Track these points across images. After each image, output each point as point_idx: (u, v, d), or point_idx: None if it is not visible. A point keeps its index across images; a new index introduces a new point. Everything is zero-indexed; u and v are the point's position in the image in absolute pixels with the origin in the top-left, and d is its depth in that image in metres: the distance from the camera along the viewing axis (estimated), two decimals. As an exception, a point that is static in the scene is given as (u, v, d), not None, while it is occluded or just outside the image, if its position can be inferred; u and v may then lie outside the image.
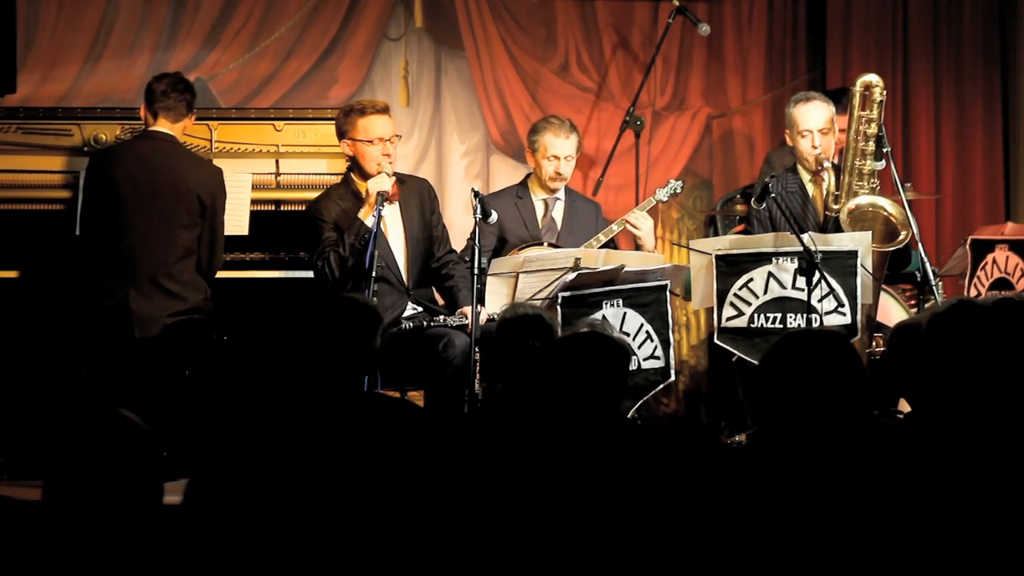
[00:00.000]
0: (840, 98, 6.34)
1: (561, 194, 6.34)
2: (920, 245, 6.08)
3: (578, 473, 3.24)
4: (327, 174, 6.46)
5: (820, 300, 5.57)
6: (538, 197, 6.32)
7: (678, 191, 6.40)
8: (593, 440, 3.37)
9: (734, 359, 5.83)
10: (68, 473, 2.54)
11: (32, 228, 6.19)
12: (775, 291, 5.69)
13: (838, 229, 5.93)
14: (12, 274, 6.11)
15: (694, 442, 3.13)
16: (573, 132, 6.26)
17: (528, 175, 6.40)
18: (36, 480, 5.73)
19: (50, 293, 6.01)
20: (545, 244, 6.16)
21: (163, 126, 5.79)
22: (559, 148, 6.22)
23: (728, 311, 5.72)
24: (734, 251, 5.74)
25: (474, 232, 5.59)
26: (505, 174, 7.33)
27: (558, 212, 6.33)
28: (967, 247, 6.28)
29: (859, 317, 5.68)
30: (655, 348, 5.64)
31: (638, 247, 6.21)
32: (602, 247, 6.09)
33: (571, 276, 5.53)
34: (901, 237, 5.91)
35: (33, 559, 2.51)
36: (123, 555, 2.49)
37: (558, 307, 5.44)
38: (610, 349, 3.52)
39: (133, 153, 5.80)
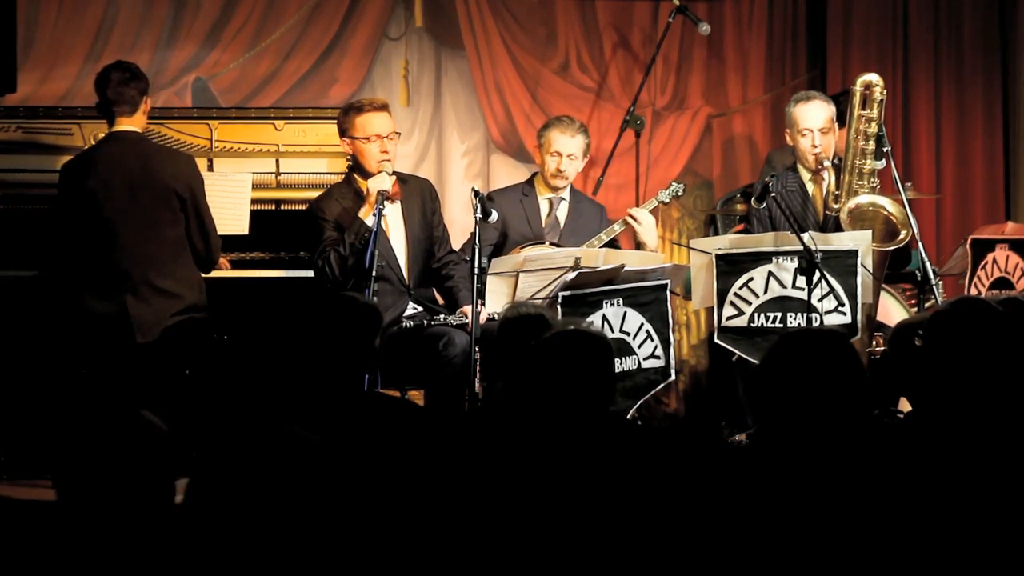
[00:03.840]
0: (841, 109, 6.32)
1: (566, 194, 6.34)
2: (920, 244, 6.09)
3: (575, 472, 3.24)
4: (327, 173, 6.47)
5: (820, 299, 5.57)
6: (543, 196, 6.32)
7: (680, 193, 6.40)
8: (587, 439, 3.37)
9: (734, 359, 5.83)
10: (84, 474, 2.53)
11: (32, 228, 6.18)
12: (775, 290, 5.69)
13: (838, 228, 5.93)
14: (12, 274, 6.11)
15: (694, 441, 3.13)
16: (581, 133, 6.27)
17: (535, 174, 6.41)
18: (36, 480, 5.76)
19: (50, 293, 6.00)
20: (547, 243, 6.17)
21: (124, 124, 5.67)
22: (563, 145, 6.22)
23: (728, 310, 5.72)
24: (734, 250, 5.74)
25: (474, 231, 5.59)
26: (505, 174, 7.34)
27: (562, 212, 6.33)
28: (967, 247, 6.28)
29: (859, 317, 5.68)
30: (655, 348, 5.64)
31: (638, 246, 6.20)
32: (604, 246, 6.10)
33: (571, 275, 5.53)
34: (901, 236, 5.91)
35: (38, 559, 2.51)
36: (134, 556, 2.48)
37: (558, 307, 5.44)
38: (591, 345, 3.51)
39: (103, 159, 5.65)
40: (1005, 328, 3.49)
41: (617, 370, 5.44)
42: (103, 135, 6.31)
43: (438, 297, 6.11)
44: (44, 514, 2.64)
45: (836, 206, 6.04)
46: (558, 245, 6.14)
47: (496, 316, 5.30)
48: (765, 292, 5.69)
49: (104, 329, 5.61)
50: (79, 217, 5.64)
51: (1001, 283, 6.08)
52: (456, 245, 6.26)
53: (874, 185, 6.07)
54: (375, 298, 5.37)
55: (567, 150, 6.22)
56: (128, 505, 2.50)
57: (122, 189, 5.60)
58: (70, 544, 2.50)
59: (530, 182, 6.38)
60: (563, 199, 6.33)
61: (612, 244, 6.22)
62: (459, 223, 6.85)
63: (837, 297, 5.64)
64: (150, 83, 5.93)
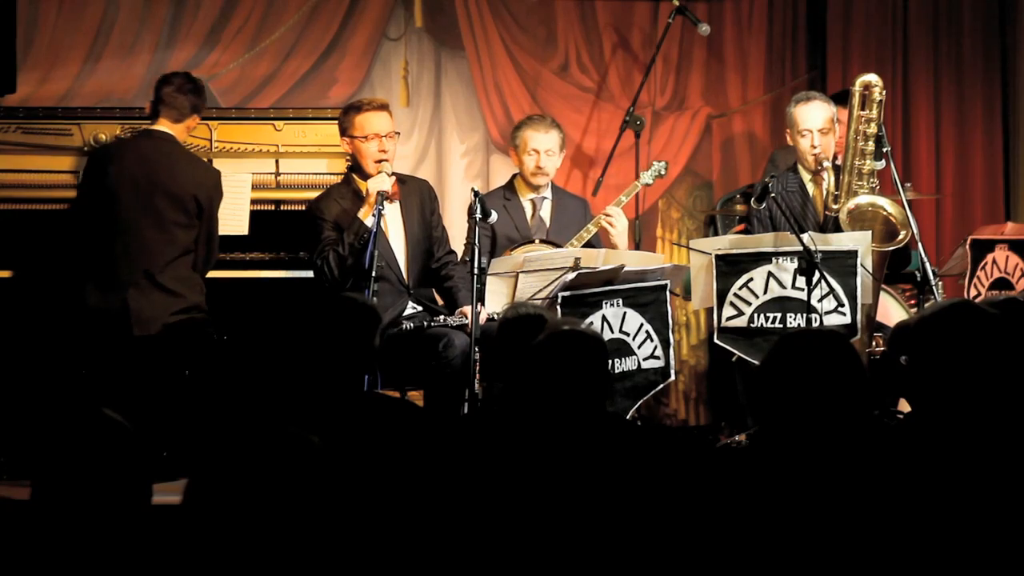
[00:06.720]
0: (843, 100, 6.35)
1: (548, 192, 6.33)
2: (920, 245, 6.08)
3: (574, 472, 3.24)
4: (327, 174, 6.47)
5: (820, 300, 5.57)
6: (526, 197, 6.31)
7: (662, 172, 6.40)
8: (586, 439, 3.37)
9: (734, 359, 5.84)
10: (54, 473, 2.54)
11: (32, 228, 6.19)
12: (775, 291, 5.69)
13: (838, 229, 5.93)
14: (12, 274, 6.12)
15: (692, 442, 3.13)
16: (554, 128, 6.26)
17: (514, 176, 6.40)
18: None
19: (50, 293, 6.01)
20: (536, 241, 6.16)
21: (164, 125, 5.79)
22: (539, 142, 6.22)
23: (728, 311, 5.72)
24: (734, 251, 5.74)
25: (473, 232, 5.60)
26: (505, 174, 7.30)
27: (546, 211, 6.31)
28: (967, 247, 6.28)
29: (859, 317, 5.68)
30: (655, 348, 5.64)
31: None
32: (583, 246, 6.10)
33: (571, 276, 5.53)
34: (901, 237, 5.91)
35: (25, 559, 2.51)
36: (112, 555, 2.49)
37: (558, 307, 5.44)
38: (583, 344, 3.51)
39: (132, 152, 5.79)
40: (994, 331, 3.47)
41: (617, 370, 5.46)
42: (103, 135, 6.32)
43: (437, 298, 6.12)
44: (31, 514, 2.65)
45: (836, 206, 6.04)
46: (547, 242, 6.14)
47: (496, 316, 5.30)
48: (765, 292, 5.70)
49: (103, 322, 5.63)
50: (97, 203, 5.69)
51: (1001, 283, 6.08)
52: (456, 246, 6.26)
53: (874, 185, 6.08)
54: (375, 298, 5.38)
55: (544, 146, 6.22)
56: (97, 503, 2.52)
57: (144, 183, 5.68)
58: (43, 542, 2.51)
59: (510, 185, 6.37)
60: (545, 198, 6.32)
61: (589, 244, 6.21)
62: (459, 223, 6.84)
63: (837, 297, 5.64)
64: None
